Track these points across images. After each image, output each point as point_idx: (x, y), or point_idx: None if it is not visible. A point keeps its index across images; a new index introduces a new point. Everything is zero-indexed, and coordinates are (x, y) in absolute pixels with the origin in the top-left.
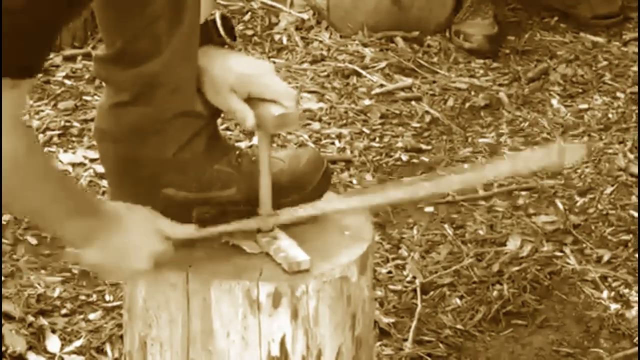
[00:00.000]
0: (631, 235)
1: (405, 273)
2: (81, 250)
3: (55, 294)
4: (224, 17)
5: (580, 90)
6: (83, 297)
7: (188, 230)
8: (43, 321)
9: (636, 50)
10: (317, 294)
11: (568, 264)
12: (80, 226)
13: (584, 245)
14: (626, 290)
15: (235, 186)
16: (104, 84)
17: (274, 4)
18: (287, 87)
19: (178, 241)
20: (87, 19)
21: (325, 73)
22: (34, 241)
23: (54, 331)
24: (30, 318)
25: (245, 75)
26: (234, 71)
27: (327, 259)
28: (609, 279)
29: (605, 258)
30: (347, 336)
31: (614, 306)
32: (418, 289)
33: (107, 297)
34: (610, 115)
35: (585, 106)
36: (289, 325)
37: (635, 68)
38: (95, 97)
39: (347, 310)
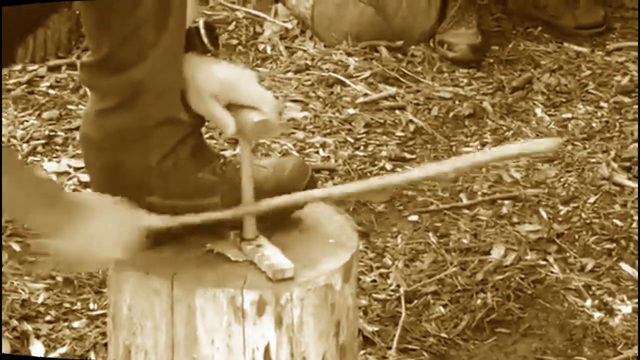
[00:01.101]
0: (614, 244)
1: (389, 281)
2: (50, 240)
3: (40, 301)
4: (207, 25)
5: (564, 100)
6: (67, 305)
7: (163, 219)
8: (27, 326)
9: (619, 60)
10: (302, 302)
11: (552, 272)
12: (46, 217)
13: (568, 254)
14: (610, 299)
15: (219, 194)
16: (89, 90)
17: (258, 13)
18: (268, 94)
19: (154, 231)
20: (72, 29)
21: (310, 82)
22: (17, 248)
23: (38, 337)
24: (14, 322)
25: (226, 82)
26: (215, 78)
27: (311, 266)
28: (593, 288)
29: (589, 267)
30: (331, 344)
31: (597, 314)
32: (402, 298)
33: (91, 306)
34: (593, 125)
35: (569, 115)
36: (273, 333)
37: (618, 77)
38: (80, 107)
39: (331, 318)
